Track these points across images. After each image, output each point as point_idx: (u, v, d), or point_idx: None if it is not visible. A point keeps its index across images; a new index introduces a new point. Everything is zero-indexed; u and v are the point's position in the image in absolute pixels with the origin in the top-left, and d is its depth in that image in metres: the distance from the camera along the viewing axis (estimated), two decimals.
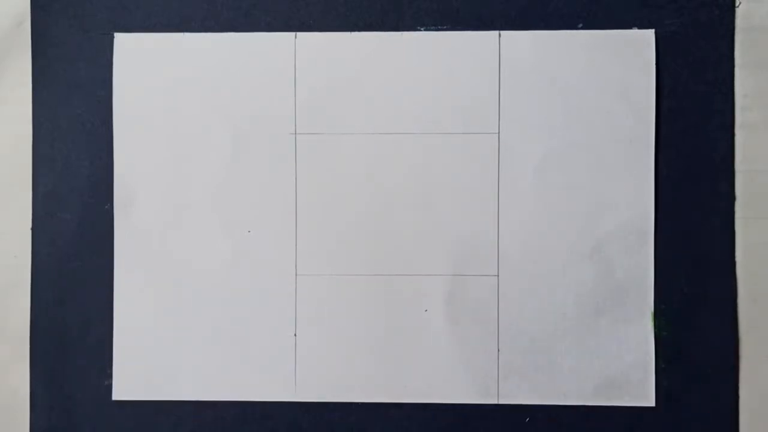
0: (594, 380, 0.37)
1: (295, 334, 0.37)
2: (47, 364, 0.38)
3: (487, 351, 0.37)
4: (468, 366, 0.37)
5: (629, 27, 0.37)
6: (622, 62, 0.37)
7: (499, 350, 0.37)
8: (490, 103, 0.37)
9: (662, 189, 0.37)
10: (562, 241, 0.37)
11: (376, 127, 0.37)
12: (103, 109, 0.38)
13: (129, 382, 0.38)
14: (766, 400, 0.37)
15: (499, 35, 0.37)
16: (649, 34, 0.37)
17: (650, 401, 0.37)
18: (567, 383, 0.37)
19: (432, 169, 0.37)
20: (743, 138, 0.37)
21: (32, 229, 0.38)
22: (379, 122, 0.37)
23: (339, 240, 0.37)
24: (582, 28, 0.37)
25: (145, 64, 0.38)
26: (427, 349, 0.37)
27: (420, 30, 0.37)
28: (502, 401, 0.37)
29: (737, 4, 0.37)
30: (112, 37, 0.38)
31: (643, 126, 0.37)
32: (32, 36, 0.38)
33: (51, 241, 0.38)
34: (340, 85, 0.37)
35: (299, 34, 0.37)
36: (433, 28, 0.37)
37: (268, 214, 0.37)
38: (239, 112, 0.38)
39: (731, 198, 0.37)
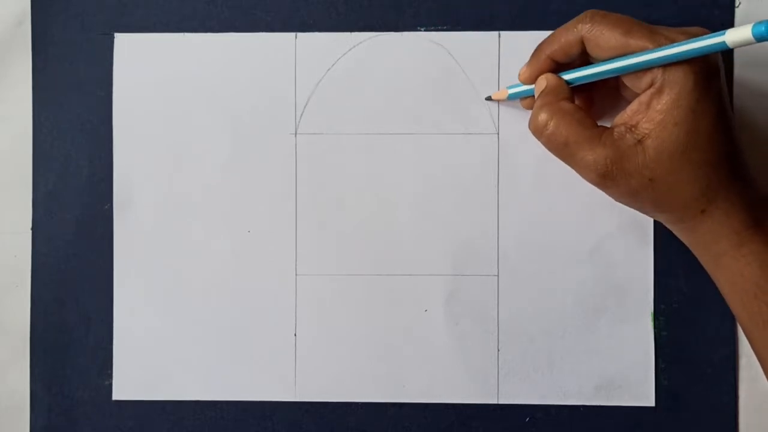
0: (594, 380, 0.37)
1: (295, 334, 0.37)
2: (47, 364, 0.38)
3: (487, 351, 0.37)
4: (468, 366, 0.37)
5: None
6: None
7: (499, 350, 0.37)
8: (490, 103, 0.37)
9: None
10: (562, 240, 0.37)
11: (376, 127, 0.37)
12: (103, 109, 0.38)
13: (129, 382, 0.38)
14: (766, 399, 0.37)
15: (499, 35, 0.37)
16: None
17: (650, 401, 0.37)
18: (567, 383, 0.37)
19: (432, 169, 0.37)
20: (743, 138, 0.37)
21: (32, 229, 0.38)
22: (379, 122, 0.37)
23: (339, 240, 0.37)
24: None
25: (145, 64, 0.38)
26: (426, 349, 0.37)
27: (420, 30, 0.37)
28: (502, 401, 0.37)
29: (737, 4, 0.37)
30: (112, 37, 0.38)
31: None
32: (32, 36, 0.38)
33: (51, 241, 0.38)
34: (340, 85, 0.37)
35: (299, 34, 0.38)
36: (433, 28, 0.37)
37: (268, 214, 0.37)
38: (239, 112, 0.38)
39: None
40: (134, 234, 0.38)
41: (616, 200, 0.32)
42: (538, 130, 0.32)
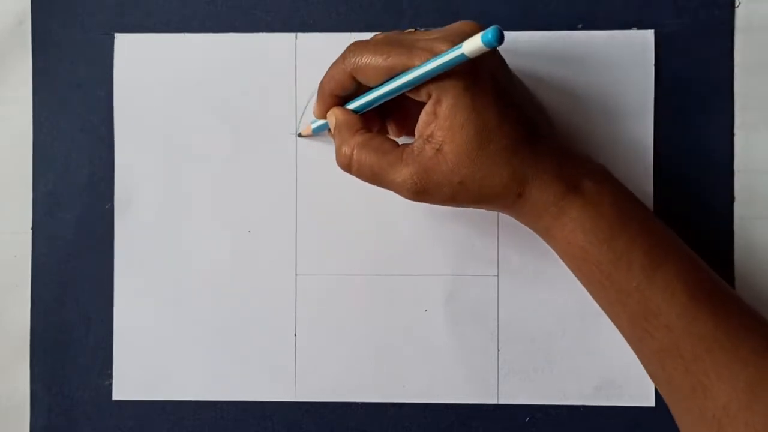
0: (594, 380, 0.37)
1: (295, 334, 0.37)
2: (47, 364, 0.38)
3: (487, 351, 0.37)
4: (468, 366, 0.37)
5: (629, 27, 0.37)
6: (622, 62, 0.37)
7: (499, 350, 0.37)
8: None
9: (661, 189, 0.37)
10: None
11: None
12: (103, 109, 0.38)
13: (129, 382, 0.38)
14: None
15: None
16: (649, 34, 0.37)
17: (650, 401, 0.37)
18: (567, 383, 0.37)
19: None
20: (743, 138, 0.37)
21: (32, 229, 0.38)
22: None
23: (339, 240, 0.37)
24: (582, 29, 0.37)
25: (145, 64, 0.38)
26: (427, 349, 0.37)
27: (420, 30, 0.37)
28: (502, 401, 0.37)
29: (737, 4, 0.37)
30: (112, 37, 0.38)
31: (643, 126, 0.37)
32: (32, 36, 0.38)
33: (51, 241, 0.38)
34: None
35: (299, 34, 0.38)
36: (433, 28, 0.37)
37: (268, 214, 0.37)
38: (239, 112, 0.38)
39: (731, 198, 0.37)
40: (134, 234, 0.38)
41: (440, 206, 0.33)
42: (345, 167, 0.32)
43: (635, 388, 0.37)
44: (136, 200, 0.38)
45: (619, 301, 0.31)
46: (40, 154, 0.38)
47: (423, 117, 0.31)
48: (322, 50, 0.37)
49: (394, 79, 0.30)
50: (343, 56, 0.32)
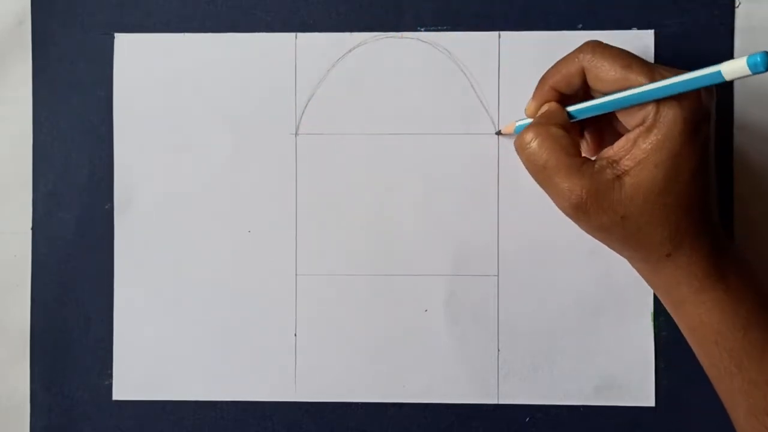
0: (594, 380, 0.37)
1: (295, 334, 0.37)
2: (47, 364, 0.38)
3: (487, 351, 0.37)
4: (468, 366, 0.37)
5: (629, 27, 0.37)
6: None
7: (499, 350, 0.37)
8: (490, 103, 0.37)
9: None
10: (562, 241, 0.37)
11: (376, 127, 0.37)
12: (103, 109, 0.38)
13: (129, 382, 0.38)
14: None
15: (499, 35, 0.37)
16: (649, 34, 0.37)
17: (650, 401, 0.37)
18: (567, 383, 0.37)
19: (432, 169, 0.37)
20: (743, 138, 0.37)
21: (32, 229, 0.38)
22: (379, 122, 0.37)
23: (339, 240, 0.37)
24: (582, 29, 0.37)
25: (145, 64, 0.38)
26: (427, 349, 0.37)
27: (420, 30, 0.37)
28: (502, 401, 0.37)
29: (737, 4, 0.37)
30: (112, 37, 0.38)
31: None
32: (32, 36, 0.38)
33: (51, 241, 0.38)
34: (340, 85, 0.37)
35: (299, 34, 0.38)
36: (433, 28, 0.37)
37: (268, 214, 0.37)
38: (239, 112, 0.38)
39: (731, 198, 0.37)
40: (134, 234, 0.38)
41: (586, 232, 0.32)
42: (520, 147, 0.32)
43: (635, 388, 0.37)
44: (136, 200, 0.38)
45: (743, 391, 0.30)
46: (40, 154, 0.38)
47: (621, 141, 0.30)
48: (322, 50, 0.37)
49: (625, 90, 0.30)
50: (579, 51, 0.31)
